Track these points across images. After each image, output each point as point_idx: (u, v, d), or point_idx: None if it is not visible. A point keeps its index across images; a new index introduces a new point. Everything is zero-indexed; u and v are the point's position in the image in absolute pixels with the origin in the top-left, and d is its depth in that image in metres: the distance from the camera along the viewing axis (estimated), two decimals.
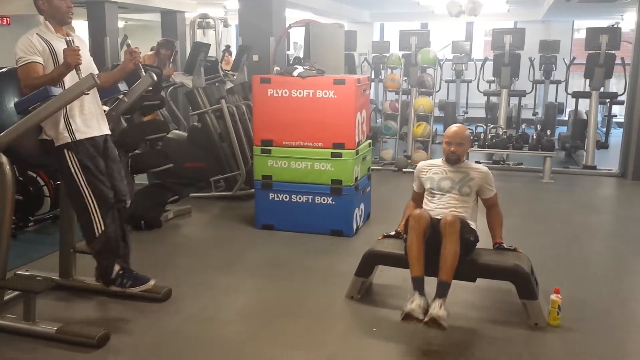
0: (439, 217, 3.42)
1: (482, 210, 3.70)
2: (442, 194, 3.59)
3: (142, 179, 6.12)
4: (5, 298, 3.36)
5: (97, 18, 8.85)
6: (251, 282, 4.06)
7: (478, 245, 3.49)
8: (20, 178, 4.80)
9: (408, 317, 3.08)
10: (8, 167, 3.12)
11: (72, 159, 3.18)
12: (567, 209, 6.02)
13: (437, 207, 3.57)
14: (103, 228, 3.26)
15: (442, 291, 3.14)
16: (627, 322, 3.46)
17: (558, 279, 3.78)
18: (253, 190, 5.90)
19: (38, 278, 3.71)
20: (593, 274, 4.22)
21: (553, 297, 3.32)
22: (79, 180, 3.21)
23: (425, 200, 3.69)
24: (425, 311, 3.07)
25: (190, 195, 6.21)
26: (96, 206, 3.24)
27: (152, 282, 3.45)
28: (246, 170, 6.10)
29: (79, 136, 3.19)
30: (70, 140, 3.17)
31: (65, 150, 3.17)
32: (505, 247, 3.53)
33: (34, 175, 5.01)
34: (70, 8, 3.20)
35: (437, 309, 3.05)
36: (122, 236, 3.44)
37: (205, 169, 6.48)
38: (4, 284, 3.20)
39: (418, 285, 3.19)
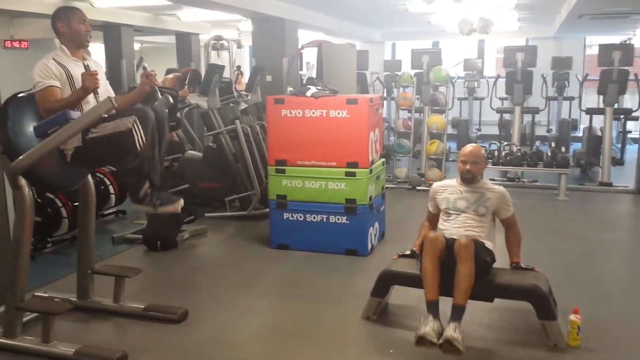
0: (454, 237, 3.42)
1: (500, 229, 3.68)
2: (457, 214, 3.58)
3: None
4: (24, 319, 3.38)
5: (113, 41, 9.02)
6: (267, 302, 4.06)
7: (495, 265, 3.48)
8: (38, 199, 4.86)
9: (422, 340, 3.06)
10: (27, 189, 3.17)
11: (92, 132, 3.07)
12: (583, 227, 5.96)
13: (452, 226, 3.57)
14: (144, 140, 3.09)
15: (457, 315, 3.12)
16: None
17: (576, 299, 3.73)
18: (267, 209, 5.93)
19: (56, 299, 3.74)
20: (611, 293, 4.17)
21: (572, 317, 3.28)
22: (110, 129, 3.07)
23: (440, 220, 3.68)
24: (440, 334, 3.06)
25: (205, 215, 6.24)
26: (136, 121, 3.07)
27: (181, 202, 3.38)
28: (260, 190, 6.13)
29: None
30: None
31: (86, 136, 3.10)
32: (523, 266, 3.51)
33: (52, 196, 5.07)
34: (89, 31, 3.26)
35: (451, 331, 3.03)
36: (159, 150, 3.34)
37: (220, 188, 6.52)
38: (23, 305, 3.23)
39: (432, 308, 3.18)
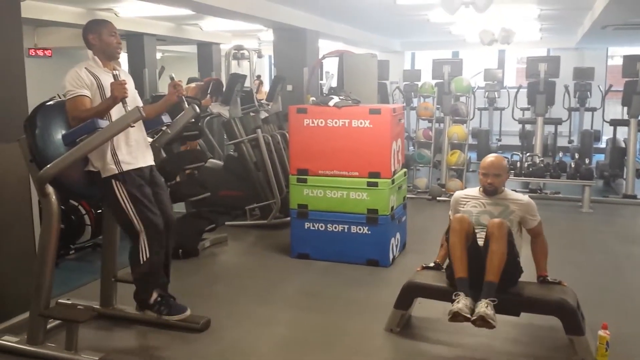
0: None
1: (527, 240, 3.62)
2: (482, 229, 3.51)
3: (178, 208, 6.18)
4: (48, 326, 3.40)
5: (136, 50, 9.12)
6: (288, 313, 4.03)
7: (522, 278, 3.43)
8: (62, 207, 4.89)
9: (456, 315, 3.05)
10: (54, 197, 3.19)
11: (120, 189, 3.25)
12: (608, 240, 5.86)
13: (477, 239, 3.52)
14: (148, 256, 3.33)
15: (489, 291, 3.10)
16: None
17: (603, 313, 3.66)
18: (288, 218, 5.92)
19: (79, 307, 3.75)
20: (639, 309, 4.08)
21: (601, 332, 3.21)
22: (128, 210, 3.27)
23: None
24: (472, 311, 3.03)
25: (226, 223, 6.25)
26: (145, 234, 3.31)
27: (187, 313, 3.50)
28: (281, 199, 6.13)
29: (125, 167, 3.26)
30: (117, 172, 3.24)
31: (113, 181, 3.24)
32: (550, 280, 3.45)
33: (76, 204, 5.11)
34: (120, 44, 3.30)
35: (484, 307, 3.01)
36: (164, 265, 3.48)
37: (241, 197, 6.53)
38: (48, 313, 3.24)
39: (463, 286, 3.16)
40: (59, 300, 3.91)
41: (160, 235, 3.37)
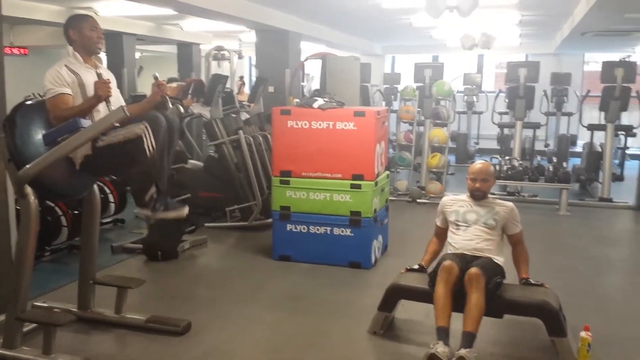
0: (466, 253, 3.40)
1: (507, 246, 3.65)
2: (467, 226, 3.56)
3: None
4: (24, 330, 3.31)
5: (115, 49, 9.01)
6: (271, 315, 3.99)
7: (505, 281, 3.45)
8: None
9: (433, 358, 3.02)
10: (33, 197, 3.11)
11: (103, 139, 3.06)
12: (586, 243, 5.94)
13: (462, 239, 3.55)
14: (154, 145, 3.06)
15: (468, 342, 3.08)
16: None
17: (584, 316, 3.70)
18: (268, 220, 5.89)
19: (56, 310, 3.67)
20: (619, 311, 4.13)
21: (583, 334, 3.24)
22: (121, 136, 3.05)
23: (450, 233, 3.66)
24: (449, 359, 3.02)
25: (205, 225, 6.18)
26: (149, 131, 3.05)
27: (185, 211, 3.36)
28: (262, 201, 6.09)
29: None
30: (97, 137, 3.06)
31: (95, 144, 3.07)
32: (532, 282, 3.47)
33: (52, 204, 5.01)
34: (101, 38, 3.24)
35: (464, 352, 3.00)
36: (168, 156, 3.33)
37: (221, 198, 6.47)
38: (24, 316, 3.16)
39: (442, 335, 3.14)
40: (35, 303, 3.81)
41: (161, 123, 3.14)
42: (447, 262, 3.31)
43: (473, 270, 3.24)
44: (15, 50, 9.98)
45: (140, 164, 3.17)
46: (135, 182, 3.37)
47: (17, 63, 9.25)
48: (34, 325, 3.38)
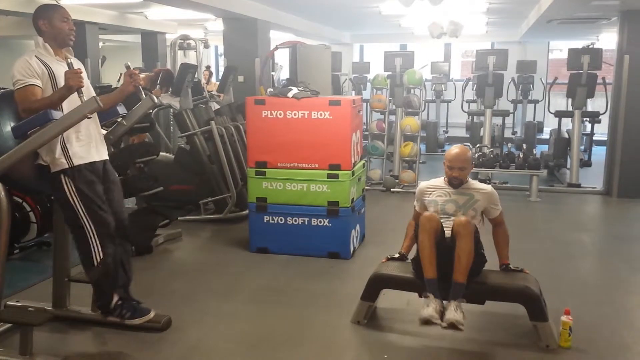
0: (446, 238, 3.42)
1: (487, 231, 3.67)
2: (447, 217, 3.54)
3: (129, 203, 5.96)
4: None
5: (77, 39, 8.67)
6: (251, 308, 3.94)
7: (485, 267, 3.47)
8: None
9: (427, 322, 3.08)
10: (3, 193, 2.99)
11: (69, 185, 3.07)
12: (558, 228, 6.05)
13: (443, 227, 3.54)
14: (101, 257, 3.15)
15: (457, 292, 3.14)
16: (636, 343, 3.43)
17: (561, 299, 3.76)
18: (244, 212, 5.82)
19: (30, 309, 3.54)
20: (595, 294, 4.21)
21: (564, 318, 3.29)
22: (77, 207, 3.09)
23: None
24: (441, 313, 3.07)
25: (179, 218, 6.06)
26: (95, 234, 3.13)
27: (152, 314, 3.35)
28: (237, 192, 6.01)
29: (76, 161, 3.08)
30: (67, 166, 3.05)
31: (62, 177, 3.06)
32: (513, 268, 3.51)
33: (20, 200, 4.83)
34: (72, 30, 3.12)
35: (453, 312, 3.06)
36: (122, 264, 3.31)
37: (193, 191, 6.36)
38: (0, 316, 3.04)
39: (432, 287, 3.18)
40: (8, 303, 3.66)
41: (111, 234, 3.19)
42: (427, 213, 3.34)
43: (462, 218, 3.27)
44: None
45: (88, 266, 3.21)
46: (96, 290, 3.36)
47: None
48: (8, 325, 3.27)
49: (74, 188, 3.08)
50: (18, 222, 4.82)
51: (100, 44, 12.38)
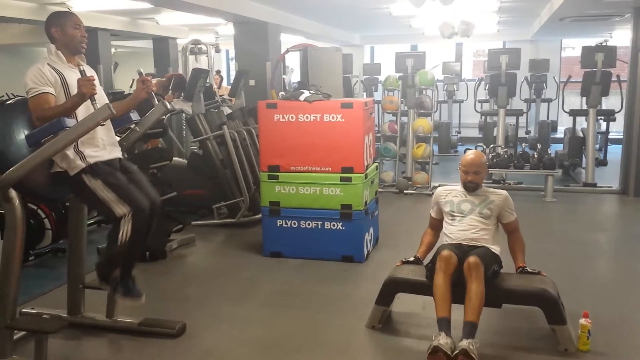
0: (462, 243, 3.38)
1: (503, 235, 3.63)
2: (462, 216, 3.53)
3: None
4: (14, 337, 3.20)
5: (90, 46, 8.70)
6: (265, 313, 3.93)
7: (502, 270, 3.43)
8: None
9: (436, 350, 2.99)
10: (18, 201, 2.99)
11: (91, 181, 3.03)
12: (574, 228, 5.98)
13: (457, 230, 3.52)
14: (128, 236, 3.06)
15: (470, 332, 3.05)
16: None
17: (579, 301, 3.71)
18: (257, 216, 5.82)
19: (45, 316, 3.55)
20: (613, 295, 4.15)
21: (582, 321, 3.24)
22: (106, 198, 3.03)
23: (445, 224, 3.62)
24: (452, 351, 2.99)
25: (192, 223, 6.07)
26: (130, 216, 3.04)
27: (142, 300, 3.28)
28: (249, 197, 6.01)
29: (92, 160, 3.06)
30: (84, 166, 3.03)
31: (83, 176, 3.03)
32: (529, 270, 3.46)
33: (35, 207, 4.86)
34: (85, 37, 3.12)
35: (466, 344, 2.97)
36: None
37: (206, 196, 6.37)
38: (14, 324, 3.05)
39: (444, 326, 3.10)
40: (23, 310, 3.69)
41: (145, 215, 3.11)
42: (445, 252, 3.27)
43: (472, 259, 3.21)
44: None
45: (110, 242, 3.13)
46: (104, 260, 3.29)
47: None
48: (23, 333, 3.28)
49: (97, 181, 3.03)
50: (33, 229, 4.84)
51: (113, 50, 12.48)
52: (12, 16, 7.21)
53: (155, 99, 3.33)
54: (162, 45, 10.87)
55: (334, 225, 4.81)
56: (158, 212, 3.29)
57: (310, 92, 4.90)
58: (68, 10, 3.18)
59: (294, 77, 9.52)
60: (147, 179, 3.39)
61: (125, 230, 3.04)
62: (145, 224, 3.15)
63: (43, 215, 4.90)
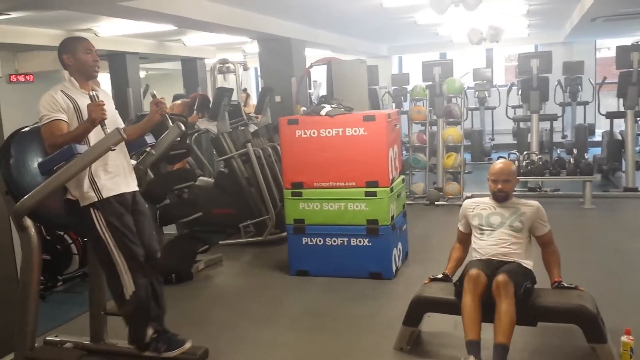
0: (492, 258, 3.21)
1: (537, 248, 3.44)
2: (492, 230, 3.36)
3: (170, 229, 5.96)
4: None
5: (118, 69, 8.92)
6: (291, 335, 3.82)
7: (536, 285, 3.24)
8: (47, 236, 4.68)
9: None
10: (33, 230, 2.99)
11: (99, 218, 3.02)
12: (616, 236, 5.69)
13: (487, 244, 3.35)
14: (134, 289, 3.08)
15: (500, 355, 2.88)
16: None
17: (621, 317, 3.49)
18: (284, 234, 5.72)
19: (68, 344, 3.52)
20: None
21: (624, 338, 3.03)
22: (107, 240, 3.04)
23: (473, 238, 3.46)
24: None
25: (220, 242, 6.02)
26: (126, 267, 3.07)
27: (188, 345, 3.25)
28: (275, 214, 5.93)
29: (105, 194, 3.04)
30: (96, 200, 3.02)
31: (92, 210, 3.02)
32: (566, 285, 3.26)
33: (62, 233, 4.88)
34: (97, 62, 3.09)
35: None
36: (155, 296, 3.24)
37: (234, 214, 6.31)
38: (33, 355, 3.03)
39: (473, 349, 2.94)
40: (47, 338, 3.66)
41: (142, 266, 3.12)
42: (473, 271, 3.11)
43: (500, 277, 3.04)
44: (21, 77, 9.93)
45: (118, 300, 3.15)
46: (130, 325, 3.26)
47: (23, 90, 9.19)
48: None
49: (104, 221, 3.04)
50: (60, 255, 4.87)
51: (144, 73, 12.70)
52: (43, 44, 7.36)
53: (170, 120, 3.29)
54: (190, 66, 10.98)
55: (360, 242, 4.69)
56: (154, 263, 3.26)
57: (331, 106, 4.81)
58: (79, 36, 3.15)
59: (322, 91, 9.48)
60: (151, 226, 3.37)
61: (127, 283, 3.07)
62: (143, 272, 3.13)
63: (70, 241, 4.92)
